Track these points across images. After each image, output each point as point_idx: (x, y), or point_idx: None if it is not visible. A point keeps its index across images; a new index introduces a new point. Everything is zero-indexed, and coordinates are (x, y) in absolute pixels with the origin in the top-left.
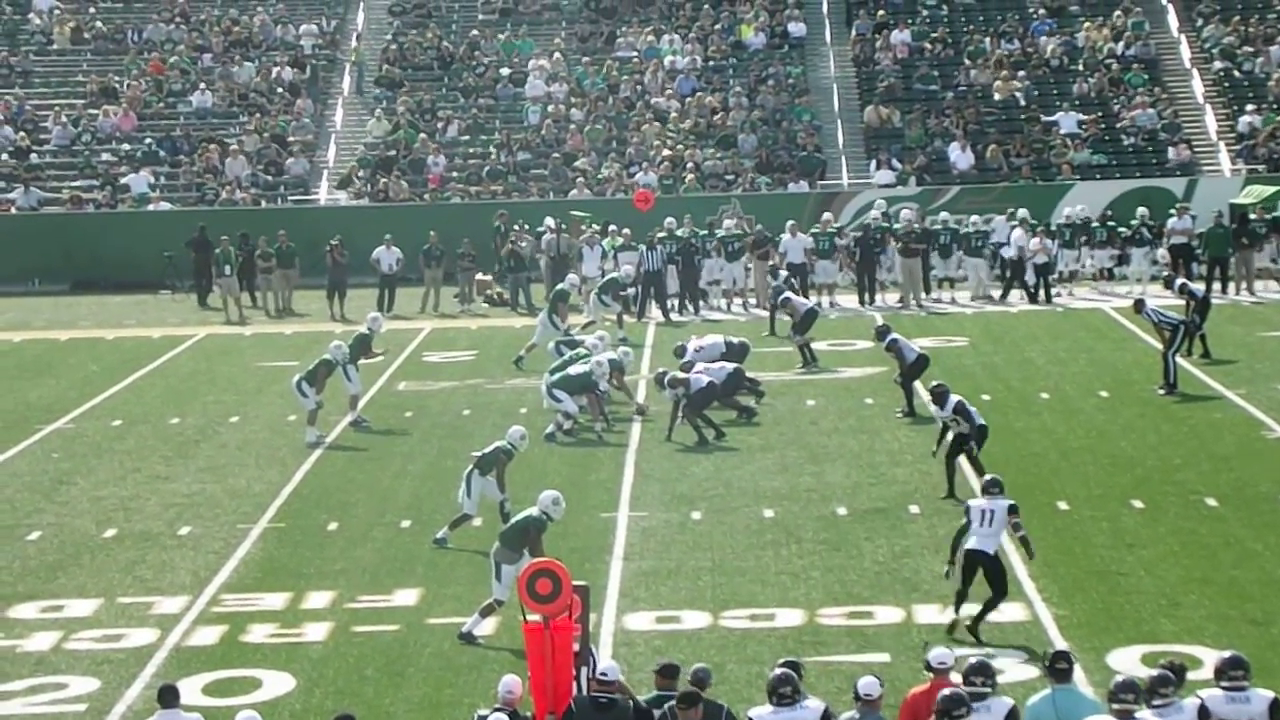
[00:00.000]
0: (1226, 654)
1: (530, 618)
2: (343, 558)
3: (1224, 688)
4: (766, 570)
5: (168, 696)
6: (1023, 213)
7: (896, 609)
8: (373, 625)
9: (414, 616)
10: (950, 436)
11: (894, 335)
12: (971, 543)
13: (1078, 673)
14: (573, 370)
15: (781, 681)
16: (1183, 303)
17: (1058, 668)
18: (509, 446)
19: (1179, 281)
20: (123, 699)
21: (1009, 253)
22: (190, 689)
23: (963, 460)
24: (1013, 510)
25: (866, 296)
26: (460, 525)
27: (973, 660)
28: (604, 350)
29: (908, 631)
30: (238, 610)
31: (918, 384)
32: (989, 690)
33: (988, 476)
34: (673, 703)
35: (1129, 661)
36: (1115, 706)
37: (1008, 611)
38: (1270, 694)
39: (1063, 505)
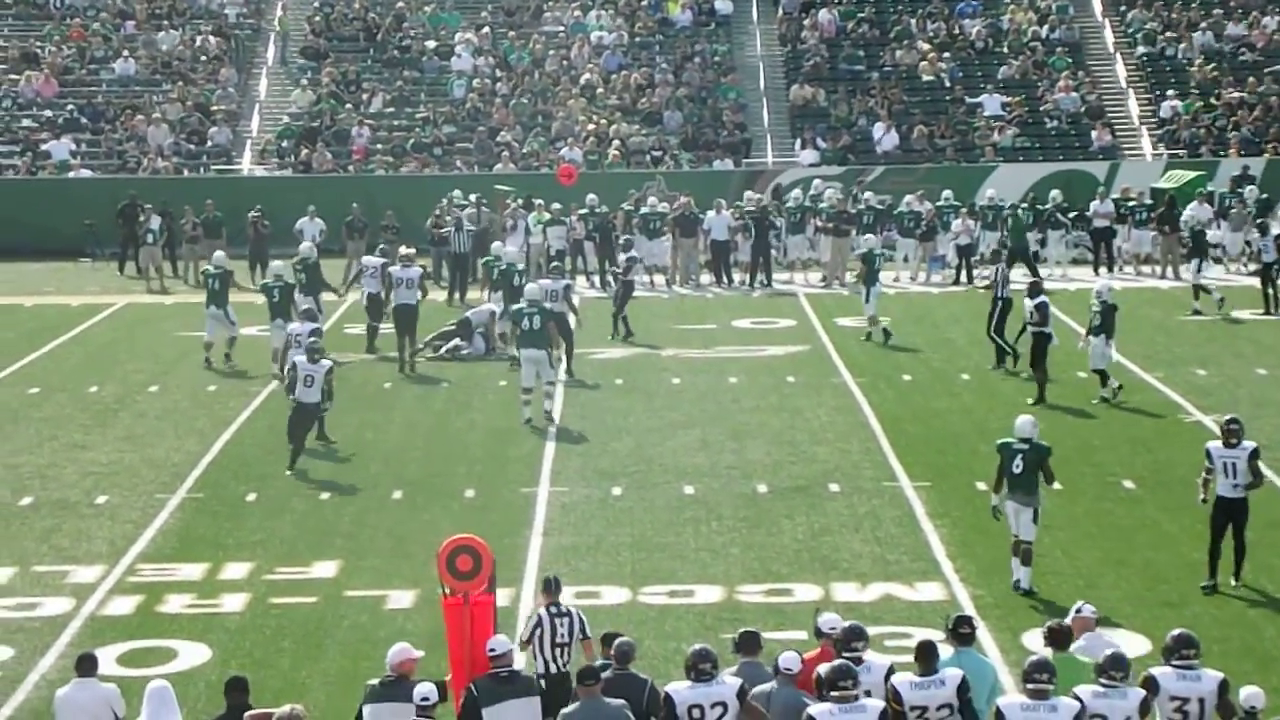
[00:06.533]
0: (1177, 632)
1: (449, 592)
2: (261, 529)
3: (1175, 665)
4: (686, 547)
5: (85, 665)
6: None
7: (815, 586)
8: (290, 597)
9: (332, 589)
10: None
11: None
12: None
13: (994, 651)
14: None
15: (701, 657)
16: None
17: (961, 632)
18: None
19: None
20: (36, 668)
21: (964, 240)
22: (105, 658)
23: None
24: (1254, 455)
25: (761, 277)
26: None
27: (847, 625)
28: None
29: (826, 609)
30: (154, 580)
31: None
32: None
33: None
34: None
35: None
36: (1030, 686)
37: (925, 591)
38: (1219, 674)
39: (981, 486)
